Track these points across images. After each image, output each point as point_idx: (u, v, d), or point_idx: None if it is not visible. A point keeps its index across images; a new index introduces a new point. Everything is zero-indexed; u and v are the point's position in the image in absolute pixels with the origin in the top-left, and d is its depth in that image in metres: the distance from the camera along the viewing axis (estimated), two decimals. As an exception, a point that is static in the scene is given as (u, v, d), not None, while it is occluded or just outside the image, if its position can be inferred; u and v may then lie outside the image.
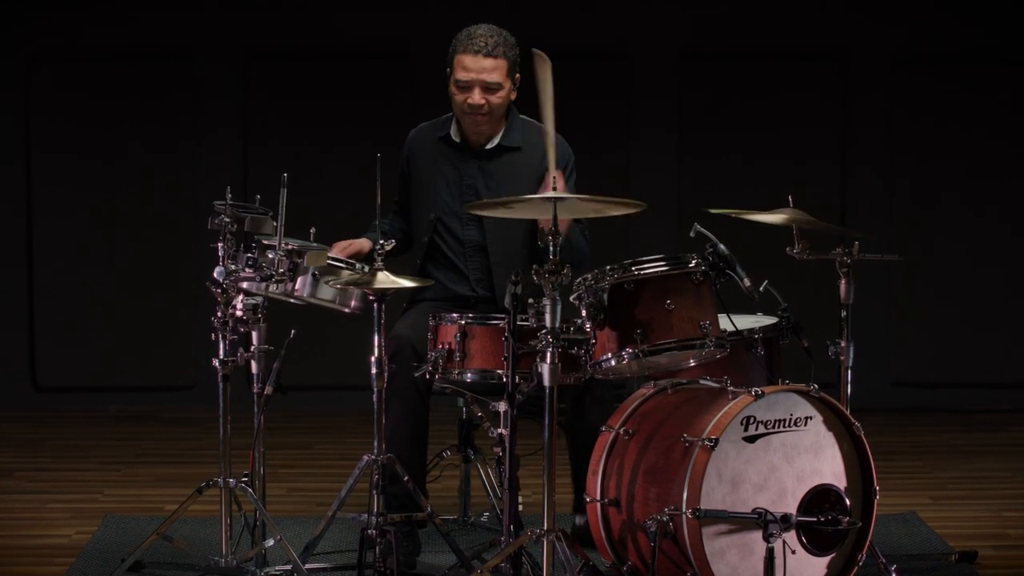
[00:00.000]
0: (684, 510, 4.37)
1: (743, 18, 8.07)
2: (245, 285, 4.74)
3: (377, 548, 4.62)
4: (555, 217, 4.38)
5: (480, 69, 5.13)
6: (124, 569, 4.85)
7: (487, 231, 5.23)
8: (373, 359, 4.63)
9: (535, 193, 4.41)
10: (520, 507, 4.95)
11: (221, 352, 4.72)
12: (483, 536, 5.32)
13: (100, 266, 8.05)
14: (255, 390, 4.87)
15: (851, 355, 4.90)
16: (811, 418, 4.55)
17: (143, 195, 8.04)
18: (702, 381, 4.75)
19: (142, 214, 8.05)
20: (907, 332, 8.15)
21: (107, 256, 8.05)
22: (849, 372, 4.91)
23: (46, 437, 7.38)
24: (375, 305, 4.63)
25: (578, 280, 4.57)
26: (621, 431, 4.67)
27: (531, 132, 5.26)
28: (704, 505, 4.36)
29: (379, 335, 4.62)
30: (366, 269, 4.79)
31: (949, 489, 6.27)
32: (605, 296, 4.54)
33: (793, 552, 4.46)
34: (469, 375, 4.77)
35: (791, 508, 4.49)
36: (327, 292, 4.89)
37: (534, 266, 4.33)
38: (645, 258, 4.57)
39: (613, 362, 4.55)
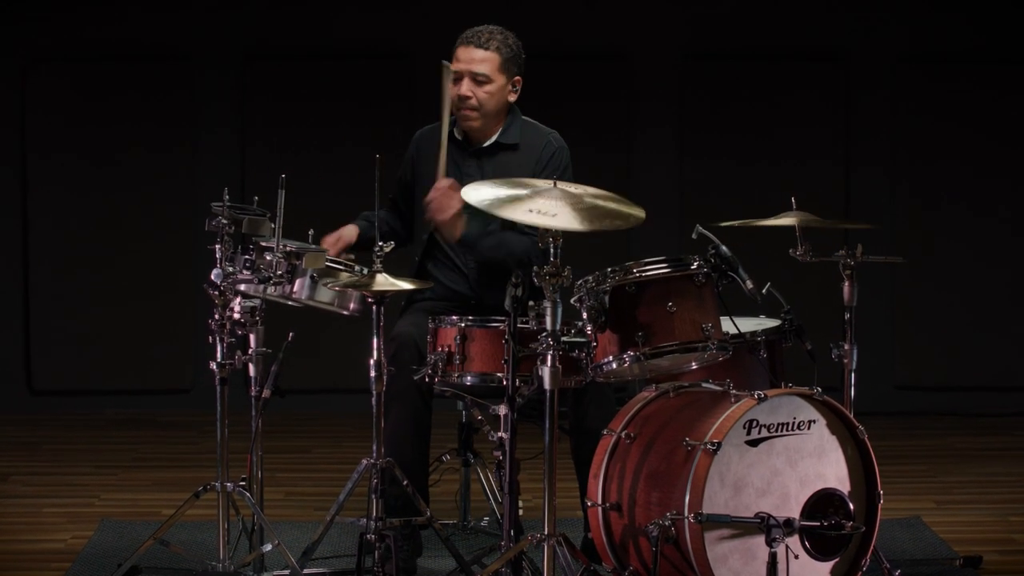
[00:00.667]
0: (686, 514, 4.36)
1: (744, 18, 8.07)
2: (243, 287, 4.74)
3: (376, 553, 4.62)
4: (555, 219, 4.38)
5: (470, 59, 5.18)
6: (121, 574, 4.85)
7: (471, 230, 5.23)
8: (372, 362, 4.63)
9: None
10: (520, 511, 4.95)
11: (219, 355, 4.72)
12: (483, 541, 5.32)
13: (96, 268, 8.05)
14: (253, 393, 4.87)
15: (855, 358, 4.90)
16: (814, 422, 4.55)
17: (140, 197, 8.04)
18: (704, 384, 4.74)
19: (139, 216, 8.05)
20: (911, 334, 8.15)
21: (103, 258, 8.05)
22: (853, 375, 4.91)
23: (42, 441, 7.38)
24: (374, 307, 4.63)
25: (579, 282, 4.57)
26: (623, 435, 4.67)
27: (531, 132, 5.29)
28: (706, 509, 4.36)
29: (378, 337, 4.62)
30: (365, 271, 4.79)
31: (954, 493, 6.27)
32: (606, 298, 4.54)
33: (796, 557, 4.46)
34: (469, 378, 4.77)
35: (794, 512, 4.49)
36: (325, 294, 4.89)
37: (534, 268, 4.33)
38: (647, 260, 4.57)
39: (614, 365, 4.55)
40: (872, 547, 4.61)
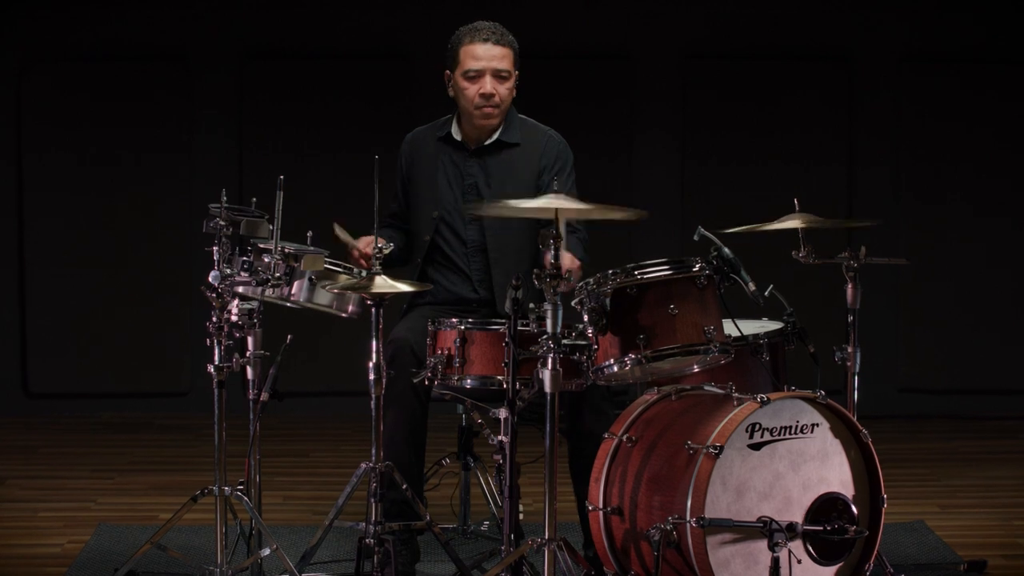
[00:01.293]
0: (688, 519, 4.37)
1: (747, 18, 8.07)
2: (241, 289, 4.73)
3: (375, 557, 4.62)
4: (557, 224, 4.38)
5: (491, 56, 5.17)
6: (117, 579, 4.85)
7: (486, 230, 5.23)
8: (371, 365, 4.63)
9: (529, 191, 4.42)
10: (521, 516, 4.95)
11: (216, 358, 4.71)
12: (483, 545, 5.32)
13: (93, 270, 8.05)
14: (251, 396, 4.87)
15: (858, 361, 4.90)
16: (817, 425, 4.55)
17: (137, 198, 8.04)
18: (706, 387, 4.75)
19: (135, 217, 8.04)
20: (915, 337, 8.15)
21: (100, 260, 8.05)
22: (856, 378, 4.91)
23: (38, 444, 7.38)
24: (373, 310, 4.63)
25: (580, 285, 4.57)
26: (624, 438, 4.67)
27: (530, 130, 5.30)
28: (708, 513, 4.36)
29: (377, 340, 4.62)
30: (363, 273, 4.79)
31: (958, 497, 6.27)
32: (607, 301, 4.54)
33: (799, 562, 4.46)
34: (469, 381, 4.77)
35: (797, 517, 4.49)
36: (324, 297, 4.89)
37: (535, 270, 4.33)
38: (648, 262, 4.57)
39: (616, 368, 4.55)
40: (876, 552, 4.61)
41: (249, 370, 4.85)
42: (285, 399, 4.91)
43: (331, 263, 4.91)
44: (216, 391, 4.73)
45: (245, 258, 4.75)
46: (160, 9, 8.00)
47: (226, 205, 4.70)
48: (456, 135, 5.31)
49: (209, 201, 4.77)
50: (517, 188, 5.11)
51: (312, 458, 7.13)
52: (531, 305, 4.46)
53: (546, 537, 4.36)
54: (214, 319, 4.68)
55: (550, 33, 7.96)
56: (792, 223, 4.95)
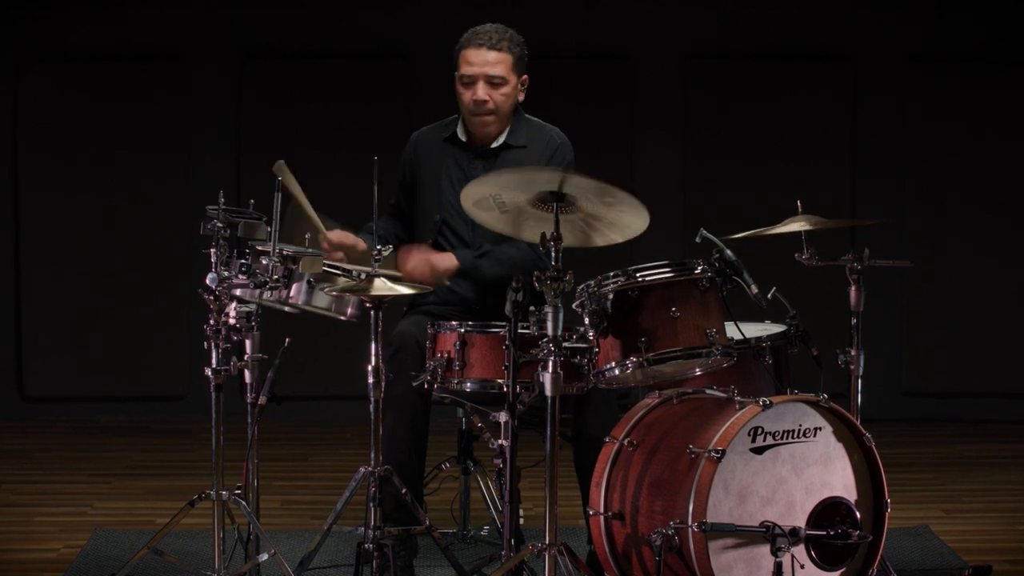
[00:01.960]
0: (690, 523, 4.37)
1: (749, 17, 8.07)
2: (238, 292, 4.74)
3: (374, 562, 4.62)
4: (557, 223, 4.38)
5: (484, 62, 5.17)
6: (114, 584, 4.86)
7: (477, 230, 5.23)
8: (370, 368, 4.63)
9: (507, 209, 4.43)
10: (521, 520, 4.95)
11: (214, 361, 4.72)
12: (483, 550, 5.32)
13: (89, 272, 8.06)
14: (249, 400, 4.87)
15: (861, 364, 4.90)
16: (820, 429, 4.55)
17: (133, 199, 8.05)
18: (708, 391, 4.75)
19: (133, 219, 8.05)
20: (919, 340, 8.15)
21: (96, 262, 8.06)
22: (860, 381, 4.91)
23: (34, 448, 7.38)
24: (372, 313, 4.63)
25: (581, 287, 4.57)
26: (625, 442, 4.67)
27: (536, 131, 5.30)
28: (710, 518, 4.36)
29: (376, 343, 4.63)
30: (363, 276, 4.80)
31: (963, 502, 6.27)
32: (608, 303, 4.54)
33: (802, 567, 4.46)
34: (469, 384, 4.77)
35: (800, 521, 4.49)
36: (323, 299, 4.89)
37: (535, 272, 4.34)
38: (649, 264, 4.57)
39: (617, 371, 4.55)
40: (879, 557, 4.61)
41: (247, 373, 4.85)
42: (283, 402, 4.91)
43: (329, 265, 4.91)
44: (214, 394, 4.73)
45: (243, 260, 4.75)
46: (158, 9, 8.00)
47: (223, 207, 4.70)
48: (461, 136, 5.31)
49: (207, 203, 4.77)
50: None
51: (311, 462, 7.13)
52: (531, 308, 4.46)
53: (547, 542, 4.36)
54: (212, 322, 4.69)
55: (550, 33, 7.96)
56: (795, 225, 4.95)
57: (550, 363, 4.32)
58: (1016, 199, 8.09)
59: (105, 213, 8.04)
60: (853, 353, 4.90)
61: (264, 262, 4.71)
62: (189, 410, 7.92)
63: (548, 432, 4.35)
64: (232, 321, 4.74)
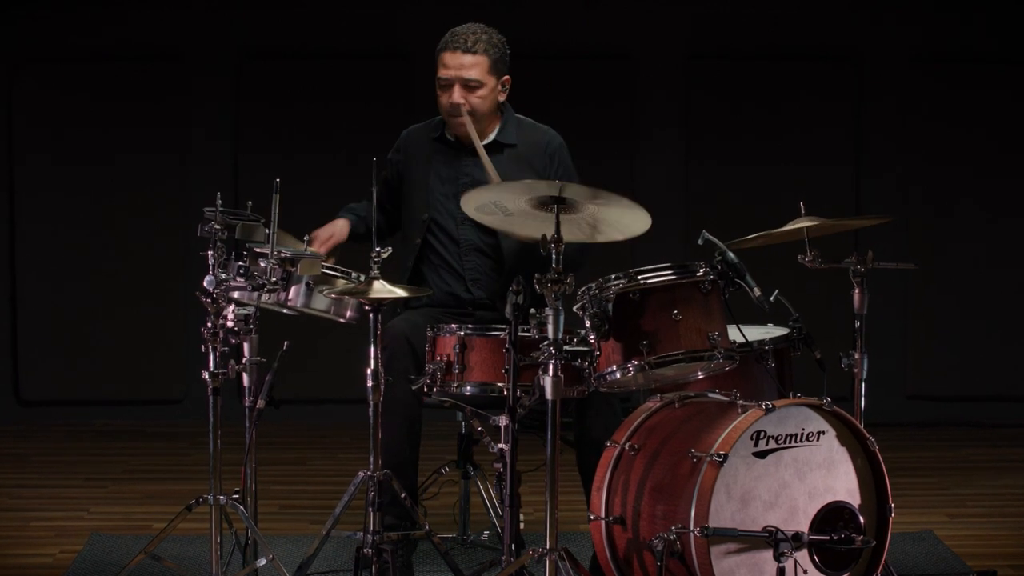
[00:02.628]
0: (692, 528, 4.37)
1: (752, 17, 8.08)
2: (236, 295, 4.74)
3: (373, 567, 4.62)
4: (558, 224, 4.39)
5: (459, 66, 5.19)
6: (110, 590, 4.86)
7: (499, 235, 5.23)
8: (369, 371, 4.63)
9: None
10: (521, 525, 4.95)
11: (211, 364, 4.72)
12: (483, 555, 5.32)
13: (85, 275, 8.06)
14: (247, 404, 4.87)
15: (865, 367, 4.90)
16: (824, 433, 4.55)
17: (130, 201, 8.05)
18: (710, 394, 4.75)
19: (129, 221, 8.05)
20: (923, 343, 8.15)
21: (93, 264, 8.06)
22: (863, 385, 4.91)
23: (29, 452, 7.38)
24: (371, 315, 4.63)
25: (582, 289, 4.57)
26: (626, 446, 4.68)
27: (528, 130, 5.32)
28: (712, 523, 4.36)
29: (375, 346, 4.63)
30: (362, 278, 4.80)
31: (967, 506, 6.27)
32: (610, 306, 4.54)
33: (805, 572, 4.46)
34: (468, 388, 4.77)
35: (803, 526, 4.49)
36: (321, 302, 4.90)
37: (536, 275, 4.34)
38: (651, 266, 4.57)
39: (618, 374, 4.55)
40: (883, 562, 4.61)
41: (245, 377, 4.85)
42: (281, 406, 4.91)
43: (328, 267, 4.91)
44: (211, 398, 4.74)
45: (241, 263, 4.75)
46: (155, 9, 8.00)
47: (221, 208, 4.70)
48: (449, 135, 5.33)
49: (204, 204, 4.77)
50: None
51: (309, 466, 7.13)
52: (532, 310, 4.46)
53: (547, 547, 4.36)
54: (209, 325, 4.69)
55: (550, 33, 7.97)
56: (801, 225, 4.95)
57: (551, 366, 4.33)
58: (1021, 200, 8.08)
59: (102, 215, 8.04)
60: (856, 356, 4.90)
61: (262, 264, 4.71)
62: (186, 414, 7.92)
63: (549, 436, 4.35)
64: (230, 324, 4.74)
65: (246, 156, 8.04)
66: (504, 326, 4.63)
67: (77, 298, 8.06)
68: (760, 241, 4.93)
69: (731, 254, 4.66)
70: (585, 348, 4.58)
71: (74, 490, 6.57)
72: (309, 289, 4.87)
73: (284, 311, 4.95)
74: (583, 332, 4.60)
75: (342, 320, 4.96)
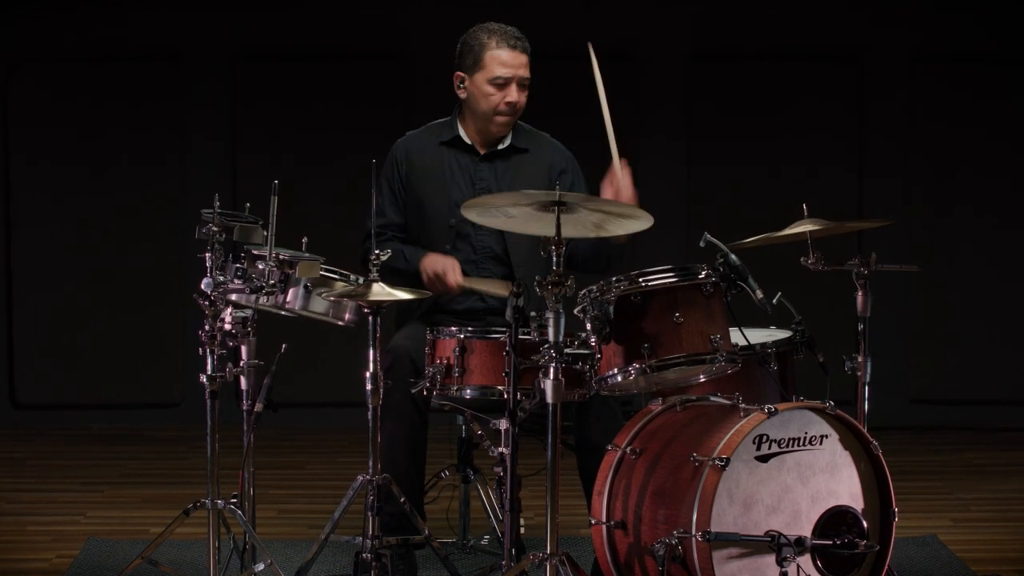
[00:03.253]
0: (694, 533, 4.36)
1: (754, 18, 8.08)
2: (234, 297, 4.74)
3: (372, 572, 4.62)
4: (559, 225, 4.38)
5: (519, 64, 5.21)
6: (107, 595, 4.86)
7: (507, 237, 5.22)
8: (368, 375, 4.63)
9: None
10: (522, 530, 4.94)
11: (209, 367, 4.71)
12: (483, 560, 5.32)
13: (82, 277, 8.06)
14: (245, 407, 4.87)
15: (868, 370, 4.90)
16: (827, 436, 4.55)
17: (127, 203, 8.05)
18: (712, 398, 4.75)
19: (126, 223, 8.05)
20: (927, 346, 8.15)
21: (89, 267, 8.06)
22: (866, 388, 4.91)
23: (25, 456, 7.38)
24: (370, 318, 4.63)
25: (583, 292, 4.57)
26: (628, 450, 4.67)
27: (534, 136, 5.32)
28: (714, 527, 4.36)
29: (375, 349, 4.62)
30: (360, 281, 4.80)
31: (971, 511, 6.27)
32: (611, 308, 4.54)
33: (808, 577, 4.47)
34: (468, 391, 4.77)
35: (806, 531, 4.49)
36: (320, 304, 4.89)
37: (536, 277, 4.34)
38: (652, 269, 4.57)
39: (619, 378, 4.54)
40: (887, 567, 4.61)
41: (243, 380, 4.85)
42: (280, 410, 4.90)
43: (327, 270, 4.91)
44: (209, 402, 4.73)
45: (239, 265, 4.75)
46: (153, 9, 8.00)
47: (219, 210, 4.70)
48: (466, 138, 5.30)
49: (202, 206, 4.77)
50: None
51: (308, 470, 7.13)
52: (532, 313, 4.46)
53: (548, 552, 4.36)
54: (207, 327, 4.69)
55: (550, 33, 7.92)
56: (801, 229, 4.95)
57: (551, 369, 4.32)
58: (1025, 203, 8.10)
59: (98, 217, 8.04)
60: (860, 359, 4.90)
61: (260, 267, 4.71)
62: (184, 417, 7.92)
63: (549, 440, 4.35)
64: (228, 327, 4.74)
65: (244, 158, 8.04)
66: (504, 329, 4.63)
67: (73, 300, 8.05)
68: (760, 242, 4.93)
69: (733, 256, 4.66)
70: (586, 351, 4.58)
71: (71, 494, 6.57)
72: (307, 292, 4.86)
73: (282, 314, 4.94)
74: (584, 335, 4.59)
75: (341, 323, 4.96)
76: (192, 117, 8.07)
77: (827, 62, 8.10)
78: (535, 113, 5.42)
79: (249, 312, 4.83)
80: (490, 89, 5.20)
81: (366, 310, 4.65)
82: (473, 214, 4.58)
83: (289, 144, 8.02)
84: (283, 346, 4.80)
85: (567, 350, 4.43)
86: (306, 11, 8.04)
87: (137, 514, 6.19)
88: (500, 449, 4.51)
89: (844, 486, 4.55)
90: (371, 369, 4.63)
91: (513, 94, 5.19)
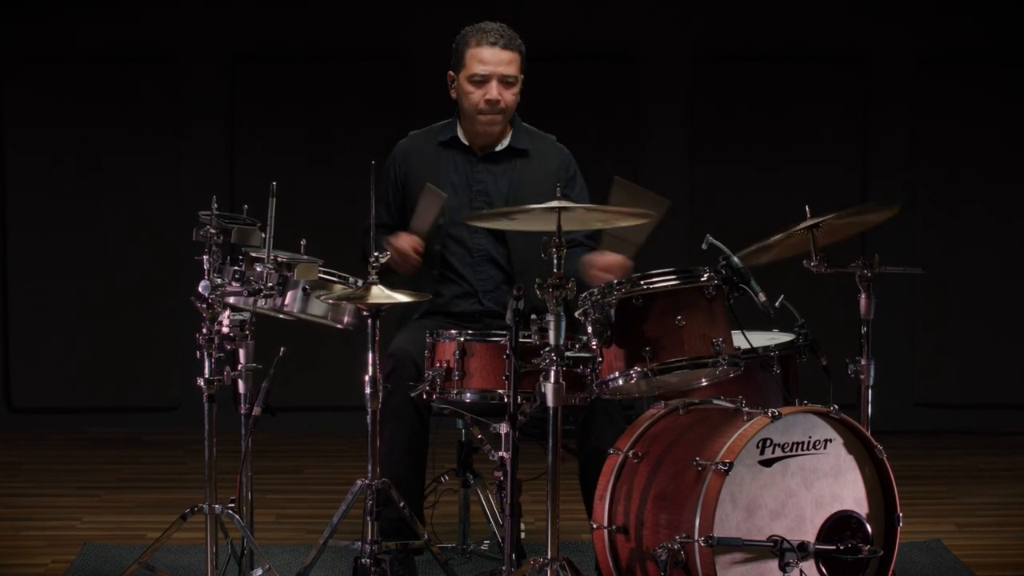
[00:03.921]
0: (696, 538, 4.36)
1: (757, 18, 8.08)
2: (232, 300, 4.73)
3: (371, 578, 4.62)
4: (559, 227, 4.38)
5: (499, 61, 5.18)
6: (104, 600, 4.86)
7: (510, 240, 5.23)
8: (367, 378, 4.63)
9: (547, 201, 4.41)
10: (522, 534, 4.95)
11: (206, 371, 4.72)
12: (483, 565, 5.32)
13: (78, 280, 8.06)
14: (242, 411, 4.87)
15: (872, 374, 4.90)
16: (830, 440, 4.55)
17: (124, 205, 8.05)
18: (715, 401, 4.75)
19: (123, 225, 8.05)
20: (931, 349, 8.15)
21: (86, 269, 8.06)
22: (870, 392, 4.91)
23: (21, 461, 7.38)
24: (369, 321, 4.63)
25: (584, 295, 4.57)
26: (630, 454, 4.67)
27: (537, 138, 5.31)
28: (717, 532, 4.36)
29: (373, 352, 4.62)
30: (359, 283, 4.80)
31: (976, 515, 6.27)
32: (612, 312, 4.54)
33: (811, 582, 4.47)
34: (468, 395, 4.77)
35: (809, 536, 4.49)
36: (318, 307, 4.89)
37: (536, 280, 4.34)
38: (654, 271, 4.57)
39: (621, 381, 4.54)
40: (891, 572, 4.61)
41: (241, 384, 4.85)
42: (278, 414, 4.91)
43: (326, 272, 4.91)
44: (206, 405, 4.74)
45: (236, 267, 4.75)
46: (149, 8, 8.00)
47: (216, 212, 4.70)
48: (463, 139, 5.31)
49: (199, 208, 4.77)
50: (533, 196, 5.08)
51: (306, 475, 7.13)
52: (533, 316, 4.46)
53: (548, 557, 4.36)
54: (204, 331, 4.69)
55: (552, 34, 7.97)
56: (803, 230, 4.94)
57: (552, 373, 4.32)
58: (1031, 205, 8.10)
59: (95, 218, 8.04)
60: (863, 363, 4.90)
61: (258, 269, 4.71)
62: (181, 421, 7.92)
63: (550, 444, 4.35)
64: (225, 330, 4.74)
65: (241, 159, 8.04)
66: (505, 332, 4.63)
67: (70, 303, 8.05)
68: (774, 254, 4.92)
69: (736, 259, 4.66)
70: (587, 354, 4.58)
71: (67, 499, 6.57)
72: (306, 294, 4.86)
73: (280, 317, 4.94)
74: (585, 338, 4.59)
75: (339, 326, 4.96)
76: (189, 118, 8.07)
77: (831, 63, 8.10)
78: (535, 113, 5.41)
79: (247, 315, 4.83)
80: (470, 87, 5.21)
81: (365, 313, 4.65)
82: (478, 223, 4.58)
83: (287, 145, 8.02)
84: (281, 349, 4.80)
85: (568, 353, 4.43)
86: (304, 11, 8.04)
87: (134, 519, 6.19)
88: (500, 453, 4.51)
89: (848, 491, 4.55)
90: (370, 373, 4.63)
91: (492, 91, 5.19)
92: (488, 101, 5.19)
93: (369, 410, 4.64)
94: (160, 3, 8.02)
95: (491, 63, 5.18)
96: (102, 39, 8.01)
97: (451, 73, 5.26)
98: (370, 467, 4.66)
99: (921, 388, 8.14)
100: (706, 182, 8.12)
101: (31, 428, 8.00)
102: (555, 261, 4.35)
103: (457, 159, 5.31)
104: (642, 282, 4.55)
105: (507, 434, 4.46)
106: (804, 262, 4.92)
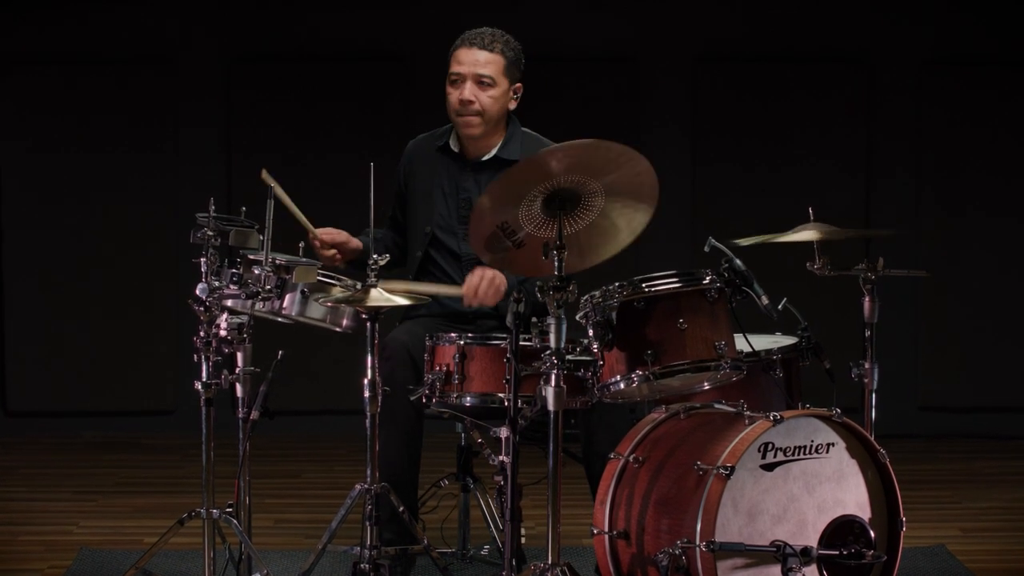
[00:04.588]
0: (698, 543, 4.37)
1: (760, 19, 8.08)
2: (230, 303, 4.74)
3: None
4: (559, 227, 4.39)
5: (473, 61, 5.19)
6: (100, 606, 4.86)
7: None
8: (366, 382, 4.63)
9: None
10: (523, 539, 4.95)
11: (204, 374, 4.72)
12: (483, 570, 5.33)
13: (74, 282, 8.05)
14: (240, 415, 4.88)
15: (876, 377, 4.91)
16: (833, 444, 4.55)
17: (120, 207, 8.04)
18: (717, 405, 4.75)
19: (119, 227, 8.05)
20: (935, 352, 8.15)
21: (82, 271, 8.05)
22: (874, 395, 4.92)
23: (17, 465, 7.38)
24: (368, 324, 4.64)
25: (585, 298, 4.57)
26: (631, 458, 4.68)
27: (532, 145, 5.29)
28: (719, 537, 4.37)
29: (372, 356, 4.63)
30: (358, 286, 4.80)
31: (981, 521, 6.27)
32: (613, 315, 4.54)
33: (814, 588, 4.47)
34: (468, 399, 4.77)
35: (812, 541, 4.49)
36: (317, 310, 4.90)
37: (537, 282, 4.34)
38: (656, 274, 4.58)
39: (622, 385, 4.55)
40: (894, 577, 4.62)
41: (239, 387, 4.86)
42: (276, 417, 4.91)
43: (324, 275, 4.91)
44: (204, 409, 4.74)
45: (234, 270, 4.76)
46: (146, 10, 8.00)
47: (214, 214, 4.70)
48: (454, 146, 5.32)
49: (196, 210, 4.78)
50: None
51: (304, 479, 7.13)
52: (533, 319, 4.46)
53: (549, 562, 4.36)
54: (202, 334, 4.69)
55: (553, 34, 7.97)
56: (807, 233, 4.95)
57: (553, 376, 4.33)
58: (1036, 207, 8.10)
59: (90, 221, 8.04)
60: (867, 366, 4.91)
61: (256, 272, 4.72)
62: (178, 425, 7.92)
63: (551, 448, 4.35)
64: (223, 333, 4.75)
65: (239, 160, 8.04)
66: (505, 335, 4.63)
67: (65, 306, 8.05)
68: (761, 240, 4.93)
69: (738, 261, 4.67)
70: (588, 358, 4.58)
71: (63, 503, 6.57)
72: (304, 297, 4.87)
73: (279, 320, 4.95)
74: (586, 341, 4.60)
75: (338, 329, 4.96)
76: (186, 119, 8.07)
77: (835, 63, 8.10)
78: (535, 114, 5.42)
79: (245, 318, 4.84)
80: (448, 88, 5.25)
81: (364, 316, 4.66)
82: (482, 249, 4.55)
83: (285, 147, 8.01)
84: (279, 352, 4.81)
85: (569, 357, 4.44)
86: (303, 11, 8.04)
87: (131, 524, 6.19)
88: (501, 457, 4.51)
89: (851, 495, 4.56)
90: (369, 376, 4.63)
91: (466, 91, 5.19)
92: (460, 101, 5.20)
93: (368, 414, 4.65)
94: (158, 4, 8.02)
95: (466, 63, 5.20)
96: (99, 40, 8.01)
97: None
98: (369, 471, 4.67)
99: (925, 392, 8.14)
100: (708, 184, 8.11)
101: (27, 432, 8.00)
102: (555, 263, 4.36)
103: (450, 166, 5.33)
104: (643, 285, 4.55)
105: (507, 438, 4.47)
106: (807, 265, 4.94)
